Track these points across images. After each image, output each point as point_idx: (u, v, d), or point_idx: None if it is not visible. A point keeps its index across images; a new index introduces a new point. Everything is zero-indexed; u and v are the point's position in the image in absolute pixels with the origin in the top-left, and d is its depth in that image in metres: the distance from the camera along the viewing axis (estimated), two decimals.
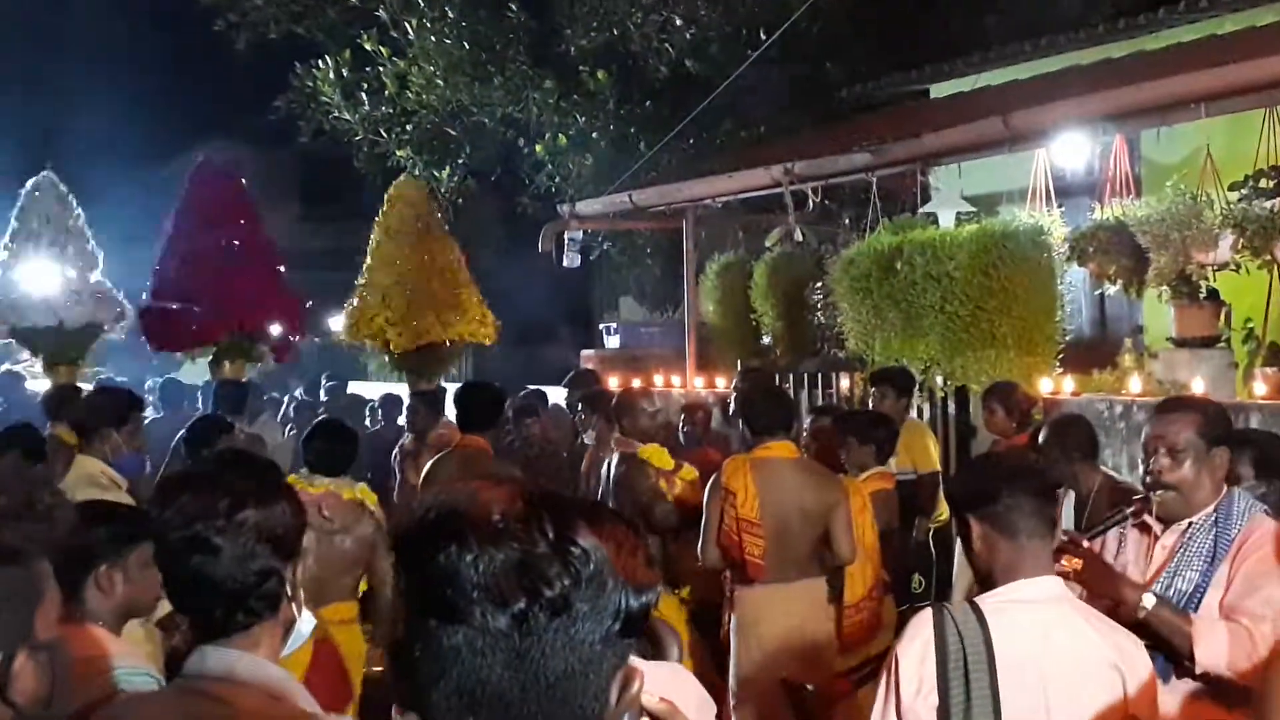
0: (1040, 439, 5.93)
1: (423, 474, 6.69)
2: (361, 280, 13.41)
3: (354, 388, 13.99)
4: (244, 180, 15.50)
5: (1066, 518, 5.84)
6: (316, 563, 5.17)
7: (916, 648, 3.07)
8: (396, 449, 9.65)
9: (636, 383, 12.48)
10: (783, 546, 5.94)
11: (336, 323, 13.62)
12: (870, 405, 8.22)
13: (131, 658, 3.08)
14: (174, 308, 13.83)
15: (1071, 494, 5.78)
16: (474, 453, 6.45)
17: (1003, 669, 2.98)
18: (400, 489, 9.32)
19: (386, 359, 13.38)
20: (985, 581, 3.20)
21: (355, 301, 13.32)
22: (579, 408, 8.14)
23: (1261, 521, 3.70)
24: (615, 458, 6.83)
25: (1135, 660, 3.12)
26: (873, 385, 8.38)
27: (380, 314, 13.01)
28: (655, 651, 2.02)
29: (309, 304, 15.77)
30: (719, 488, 6.04)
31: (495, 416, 6.75)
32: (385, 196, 13.84)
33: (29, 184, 13.78)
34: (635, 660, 1.45)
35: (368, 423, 12.28)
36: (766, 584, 5.97)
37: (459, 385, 7.77)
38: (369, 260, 13.44)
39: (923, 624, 3.08)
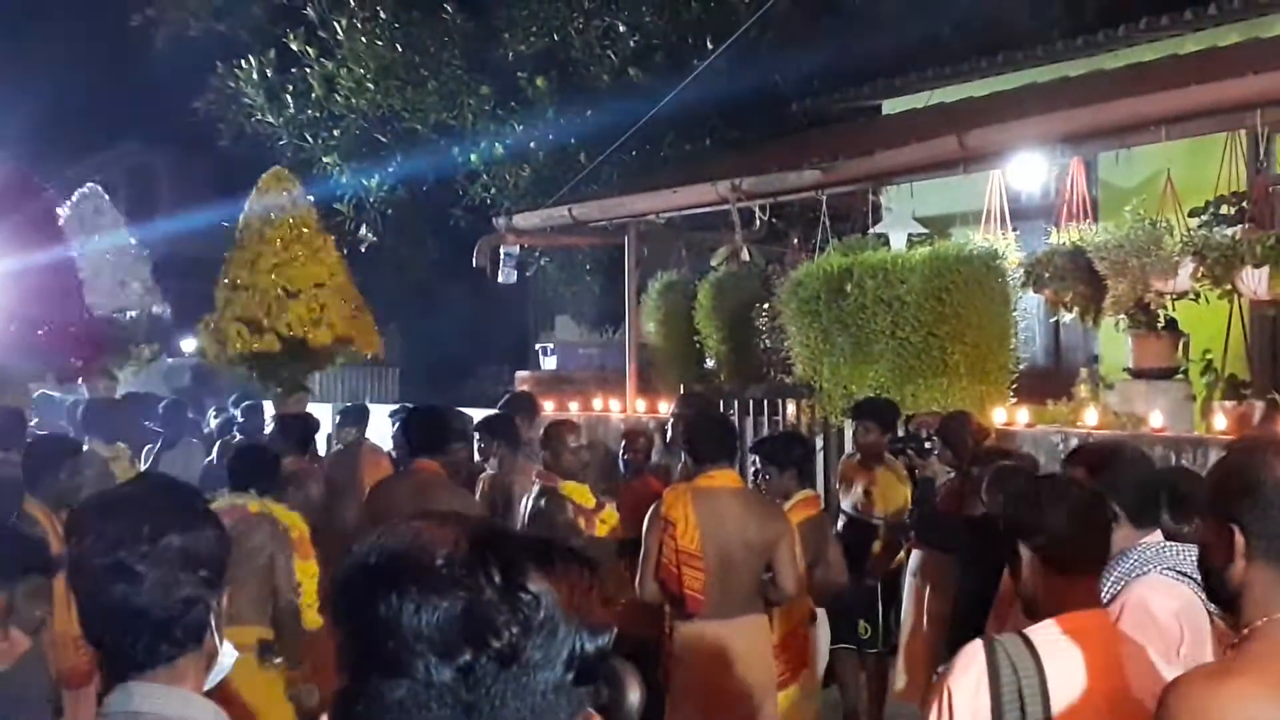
0: (983, 487, 5.86)
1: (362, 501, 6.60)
2: (224, 282, 12.97)
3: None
4: (51, 195, 15.03)
5: None
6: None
7: (971, 679, 3.11)
8: None
9: (574, 406, 12.52)
10: (724, 580, 5.95)
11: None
12: (853, 440, 8.18)
13: None
14: None
15: None
16: (428, 478, 6.42)
17: (1056, 702, 3.03)
18: None
19: (239, 364, 12.90)
20: (1030, 611, 3.28)
21: (218, 308, 12.90)
22: (477, 434, 7.98)
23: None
24: (536, 489, 6.84)
25: None
26: (854, 419, 8.18)
27: (233, 310, 12.61)
28: (614, 695, 1.98)
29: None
30: (658, 518, 6.03)
31: (446, 439, 6.70)
32: (254, 188, 13.36)
33: None
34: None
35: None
36: (706, 619, 5.99)
37: (406, 411, 7.62)
38: (231, 260, 12.98)
39: (975, 655, 3.12)
